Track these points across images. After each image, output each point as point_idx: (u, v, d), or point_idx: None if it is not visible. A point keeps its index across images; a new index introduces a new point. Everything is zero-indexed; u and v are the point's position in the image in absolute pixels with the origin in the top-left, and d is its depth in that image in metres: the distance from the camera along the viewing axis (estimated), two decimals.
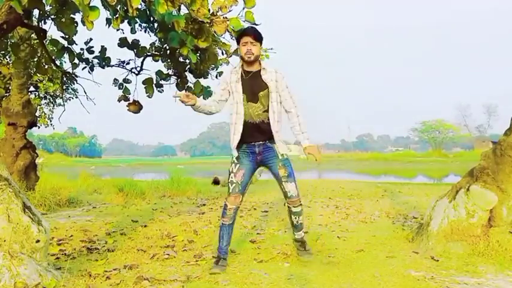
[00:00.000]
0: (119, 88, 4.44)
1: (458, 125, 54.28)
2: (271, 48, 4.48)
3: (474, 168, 3.42)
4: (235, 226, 3.91)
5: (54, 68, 4.92)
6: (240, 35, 2.96)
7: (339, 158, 47.69)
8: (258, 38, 2.91)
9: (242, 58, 2.95)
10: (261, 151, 3.00)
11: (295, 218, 3.15)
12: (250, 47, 2.88)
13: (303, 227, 3.25)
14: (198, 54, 3.82)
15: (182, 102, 2.80)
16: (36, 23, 4.18)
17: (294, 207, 3.10)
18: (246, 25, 3.31)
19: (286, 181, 3.03)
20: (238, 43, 2.97)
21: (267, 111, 2.96)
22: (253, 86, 2.94)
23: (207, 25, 3.30)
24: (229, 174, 3.02)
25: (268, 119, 2.96)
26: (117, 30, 3.55)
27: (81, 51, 4.33)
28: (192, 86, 4.37)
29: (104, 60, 4.37)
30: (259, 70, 2.98)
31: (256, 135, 2.97)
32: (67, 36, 3.92)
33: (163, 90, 4.36)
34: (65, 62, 7.18)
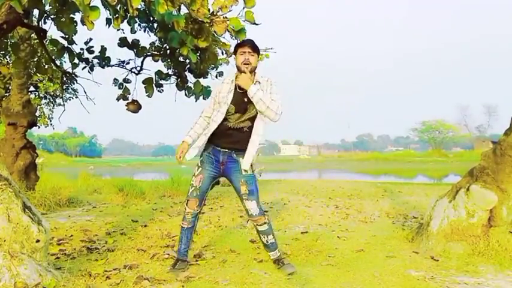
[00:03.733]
0: (119, 88, 4.44)
1: (458, 125, 54.28)
2: (271, 48, 4.48)
3: (474, 168, 3.42)
4: (235, 226, 3.92)
5: (54, 67, 4.92)
6: (237, 45, 2.91)
7: (339, 158, 47.71)
8: (256, 49, 2.86)
9: (238, 68, 2.87)
10: (225, 161, 2.89)
11: (264, 237, 2.99)
12: (248, 57, 2.82)
13: (276, 245, 3.03)
14: (198, 54, 3.82)
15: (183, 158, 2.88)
16: (36, 23, 4.18)
17: (259, 225, 2.95)
18: (246, 25, 3.31)
19: (247, 199, 2.90)
20: (235, 53, 2.91)
21: (251, 119, 2.85)
22: (244, 99, 2.83)
23: (207, 25, 3.30)
24: (192, 177, 2.95)
25: (248, 128, 2.86)
26: (117, 30, 3.56)
27: (81, 51, 4.32)
28: (192, 86, 4.37)
29: (103, 60, 4.37)
30: (253, 83, 2.86)
31: (226, 141, 2.87)
32: (67, 36, 3.91)
33: (163, 90, 4.36)
34: (65, 62, 7.20)
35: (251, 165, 2.91)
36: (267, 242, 3.01)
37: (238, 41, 3.17)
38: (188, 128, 3.02)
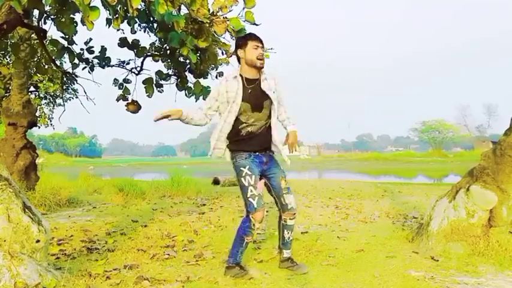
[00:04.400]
0: (119, 88, 4.44)
1: (458, 125, 54.32)
2: (271, 48, 4.47)
3: (474, 168, 3.42)
4: (235, 226, 3.90)
5: (54, 68, 4.92)
6: (247, 38, 2.74)
7: (339, 158, 47.72)
8: (263, 43, 2.75)
9: (251, 62, 2.71)
10: (268, 160, 2.85)
11: (288, 233, 2.93)
12: (262, 52, 2.69)
13: (291, 244, 3.02)
14: (198, 55, 3.82)
15: (165, 118, 2.65)
16: (36, 23, 4.18)
17: (290, 219, 2.89)
18: (246, 25, 3.30)
19: (287, 193, 2.86)
20: (242, 46, 2.73)
21: (269, 118, 2.81)
22: (258, 95, 2.74)
23: (207, 25, 3.30)
24: (248, 187, 2.70)
25: (268, 128, 2.82)
26: (117, 30, 3.55)
27: (81, 51, 4.32)
28: (192, 86, 4.37)
29: (104, 60, 4.36)
30: (260, 78, 2.78)
31: (262, 143, 2.81)
32: (67, 36, 3.91)
33: (163, 90, 4.36)
34: (65, 62, 7.21)
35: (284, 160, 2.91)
36: (289, 238, 2.95)
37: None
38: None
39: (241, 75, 2.76)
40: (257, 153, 2.80)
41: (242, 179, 2.74)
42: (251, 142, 2.79)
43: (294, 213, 2.90)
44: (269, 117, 2.82)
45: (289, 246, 3.00)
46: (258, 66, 2.72)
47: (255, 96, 2.74)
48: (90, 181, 10.43)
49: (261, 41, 2.73)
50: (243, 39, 2.77)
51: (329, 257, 3.26)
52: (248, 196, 2.71)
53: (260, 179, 2.84)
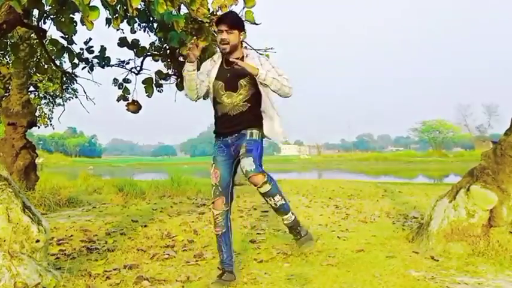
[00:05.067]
0: (119, 88, 4.44)
1: (458, 124, 54.28)
2: (272, 48, 4.47)
3: (474, 168, 3.41)
4: (235, 226, 3.87)
5: (53, 67, 4.92)
6: (215, 22, 2.64)
7: (339, 158, 47.73)
8: (234, 24, 2.56)
9: (220, 49, 2.63)
10: (234, 141, 2.65)
11: (270, 199, 2.56)
12: (225, 36, 2.53)
13: (288, 207, 2.67)
14: None
15: (190, 51, 2.50)
16: (35, 23, 4.17)
17: (259, 187, 2.51)
18: (246, 25, 3.30)
19: (243, 157, 2.53)
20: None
21: (249, 101, 2.62)
22: (234, 73, 2.59)
23: (207, 25, 3.30)
24: (211, 177, 2.68)
25: (249, 109, 2.62)
26: (117, 30, 3.55)
27: (81, 51, 4.32)
28: None
29: (103, 60, 4.36)
30: (242, 58, 2.61)
31: (229, 126, 2.65)
32: (67, 36, 3.91)
33: (162, 90, 4.36)
34: (65, 62, 7.20)
35: (259, 135, 2.64)
36: (276, 204, 2.58)
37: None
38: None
39: (223, 56, 2.68)
40: (225, 138, 2.67)
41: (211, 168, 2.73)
42: (222, 124, 2.68)
43: (256, 177, 2.48)
44: (248, 100, 2.62)
45: (283, 212, 2.65)
46: (221, 52, 2.64)
47: (231, 76, 2.60)
48: (89, 181, 10.43)
49: (226, 24, 2.54)
50: (215, 24, 2.68)
51: (329, 257, 3.26)
52: (210, 186, 2.72)
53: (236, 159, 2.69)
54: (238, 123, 2.63)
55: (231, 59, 2.55)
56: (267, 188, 2.52)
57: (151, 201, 7.06)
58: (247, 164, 2.50)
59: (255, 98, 2.64)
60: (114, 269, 2.92)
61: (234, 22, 2.58)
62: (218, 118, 2.71)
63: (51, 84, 9.44)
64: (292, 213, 2.70)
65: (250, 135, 2.62)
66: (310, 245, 2.78)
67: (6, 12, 2.93)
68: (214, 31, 3.33)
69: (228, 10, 3.22)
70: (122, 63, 4.49)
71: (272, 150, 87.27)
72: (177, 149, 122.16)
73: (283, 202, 2.62)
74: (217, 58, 2.72)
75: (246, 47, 2.82)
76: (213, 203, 2.69)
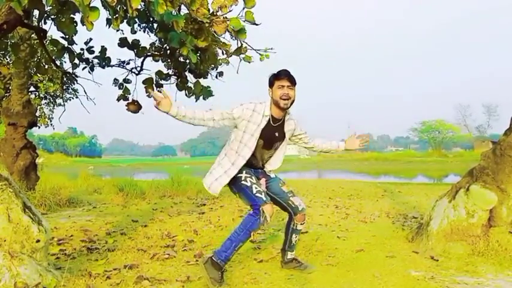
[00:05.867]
0: (119, 88, 4.44)
1: (458, 125, 54.25)
2: (272, 48, 4.47)
3: (474, 168, 3.42)
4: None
5: (54, 68, 4.92)
6: (274, 77, 2.73)
7: (339, 158, 47.71)
8: (294, 82, 2.70)
9: (276, 102, 2.69)
10: (259, 173, 2.91)
11: (296, 237, 3.00)
12: (287, 91, 2.66)
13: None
14: (198, 54, 3.82)
15: (155, 106, 2.59)
16: (36, 23, 4.18)
17: (301, 224, 2.96)
18: (246, 25, 3.30)
19: (293, 195, 2.90)
20: (271, 85, 2.75)
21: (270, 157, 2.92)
22: (275, 135, 2.78)
23: (207, 25, 3.30)
24: (251, 186, 2.68)
25: (270, 157, 2.92)
26: (117, 30, 3.55)
27: (81, 51, 4.32)
28: (192, 86, 4.37)
29: (104, 60, 4.36)
30: (284, 119, 2.80)
31: (254, 164, 2.85)
32: (67, 36, 3.91)
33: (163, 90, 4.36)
34: (65, 62, 7.19)
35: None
36: (295, 242, 3.02)
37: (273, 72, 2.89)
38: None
39: (270, 113, 2.74)
40: (252, 168, 2.85)
41: (243, 182, 2.70)
42: (249, 161, 2.78)
43: (305, 216, 2.95)
44: (271, 156, 2.91)
45: (293, 249, 3.05)
46: (281, 107, 2.70)
47: (273, 135, 2.78)
48: (90, 181, 10.43)
49: (288, 79, 2.67)
50: (271, 77, 2.76)
51: (329, 257, 3.26)
52: (254, 193, 2.65)
53: None
54: (261, 163, 2.90)
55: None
56: (303, 226, 3.01)
57: (152, 201, 7.06)
58: (302, 202, 2.94)
59: (278, 153, 2.93)
60: (115, 269, 2.93)
61: (293, 79, 2.71)
62: (244, 156, 2.74)
63: (52, 85, 9.44)
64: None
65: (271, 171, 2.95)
66: (310, 268, 2.99)
67: (6, 12, 2.93)
68: (214, 31, 3.34)
69: (228, 10, 3.22)
70: (122, 64, 4.50)
71: None
72: (177, 149, 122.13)
73: (297, 241, 3.04)
74: (263, 115, 2.72)
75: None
76: (266, 204, 2.63)
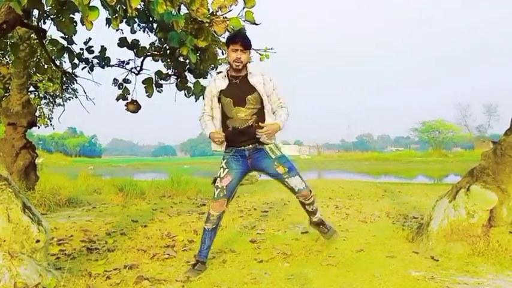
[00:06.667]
0: (119, 88, 4.44)
1: (458, 125, 54.21)
2: (272, 48, 4.47)
3: (474, 168, 3.41)
4: (235, 226, 3.93)
5: (53, 68, 4.92)
6: (229, 40, 2.89)
7: (339, 158, 47.72)
8: (247, 45, 2.88)
9: (230, 64, 2.90)
10: (251, 154, 2.93)
11: (310, 206, 3.11)
12: (239, 55, 2.83)
13: (318, 209, 3.21)
14: (197, 54, 3.81)
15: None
16: (35, 23, 4.18)
17: (307, 200, 3.05)
18: (246, 25, 3.30)
19: (288, 177, 2.95)
20: (227, 47, 2.91)
21: (256, 114, 2.90)
22: (241, 90, 2.89)
23: (207, 25, 3.30)
24: (216, 179, 2.95)
25: (256, 123, 2.89)
26: (117, 30, 3.55)
27: (81, 51, 4.32)
28: (191, 86, 4.37)
29: (103, 60, 4.36)
30: (246, 74, 2.93)
31: (243, 140, 2.91)
32: (67, 36, 3.91)
33: (162, 90, 4.36)
34: (65, 62, 7.19)
35: (277, 147, 2.97)
36: (313, 209, 3.13)
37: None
38: (202, 125, 3.02)
39: (227, 73, 2.94)
40: (240, 148, 2.93)
41: (219, 170, 2.97)
42: (234, 137, 2.92)
43: (304, 195, 3.01)
44: (255, 113, 2.90)
45: (314, 214, 3.17)
46: (234, 68, 2.88)
47: (239, 91, 2.88)
48: (90, 181, 10.43)
49: (241, 44, 2.82)
50: (227, 40, 2.93)
51: (329, 257, 3.26)
52: (214, 186, 2.96)
53: (249, 172, 3.05)
54: (249, 137, 2.89)
55: (257, 134, 2.82)
56: (312, 199, 3.06)
57: (152, 201, 7.05)
58: (297, 182, 2.97)
59: (261, 112, 2.91)
60: (115, 269, 2.93)
61: (248, 43, 2.88)
62: (229, 131, 2.92)
63: (51, 84, 9.45)
64: (320, 214, 3.22)
65: (271, 152, 2.93)
66: (335, 236, 3.17)
67: (6, 12, 2.93)
68: (214, 31, 3.34)
69: (227, 10, 3.22)
70: (122, 64, 4.50)
71: None
72: (177, 149, 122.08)
73: (317, 207, 3.15)
74: (225, 74, 2.95)
75: (248, 62, 3.02)
76: (214, 203, 2.93)
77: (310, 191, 3.05)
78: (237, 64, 2.84)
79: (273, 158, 2.93)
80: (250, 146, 2.92)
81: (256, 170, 3.03)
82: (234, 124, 2.90)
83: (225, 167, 2.95)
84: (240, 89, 2.89)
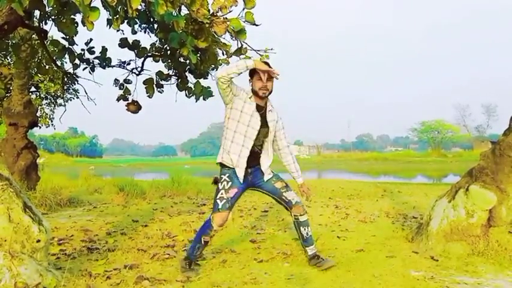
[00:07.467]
0: (120, 88, 4.45)
1: (457, 125, 54.15)
2: (272, 49, 4.47)
3: (473, 168, 3.42)
4: (235, 226, 3.93)
5: (55, 68, 4.93)
6: (254, 69, 2.83)
7: (338, 158, 47.72)
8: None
9: (255, 92, 2.86)
10: (252, 172, 2.96)
11: (304, 229, 3.05)
12: (266, 83, 2.80)
13: (313, 240, 3.13)
14: (198, 55, 3.82)
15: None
16: (37, 24, 4.19)
17: (301, 215, 3.03)
18: (246, 26, 3.31)
19: (286, 190, 3.01)
20: (251, 76, 2.88)
21: (261, 145, 2.96)
22: (265, 121, 2.91)
23: (207, 25, 3.30)
24: (219, 191, 2.86)
25: (260, 150, 2.96)
26: (117, 31, 3.56)
27: (82, 52, 4.33)
28: (192, 86, 4.38)
29: (104, 61, 4.37)
30: (266, 107, 2.93)
31: (251, 161, 2.92)
32: (68, 37, 3.92)
33: (163, 90, 4.37)
34: (66, 63, 7.20)
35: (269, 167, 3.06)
36: (307, 234, 3.07)
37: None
38: (231, 66, 2.80)
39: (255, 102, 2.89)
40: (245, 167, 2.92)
41: (219, 184, 2.90)
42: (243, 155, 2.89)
43: (302, 207, 3.03)
44: (261, 145, 2.96)
45: (311, 242, 3.10)
46: (260, 96, 2.85)
47: (265, 124, 2.91)
48: (90, 181, 10.44)
49: (266, 72, 2.76)
50: (251, 70, 2.84)
51: (329, 257, 3.27)
52: (217, 197, 2.86)
53: (247, 189, 3.01)
54: (255, 160, 2.95)
55: (307, 197, 3.14)
56: (305, 217, 3.06)
57: (152, 201, 7.07)
58: (294, 196, 3.03)
59: (266, 146, 3.00)
60: (115, 269, 2.94)
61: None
62: (243, 151, 2.89)
63: (53, 85, 9.46)
64: (314, 246, 3.13)
65: (267, 170, 3.00)
66: (331, 264, 3.01)
67: (7, 13, 2.94)
68: (215, 32, 3.35)
69: (228, 11, 3.22)
70: (122, 64, 4.50)
71: None
72: (177, 149, 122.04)
73: (311, 234, 3.10)
74: (253, 102, 2.88)
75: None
76: (218, 212, 2.84)
77: (305, 209, 3.09)
78: (264, 92, 2.83)
79: (270, 176, 3.00)
80: (253, 167, 2.96)
81: (253, 187, 3.03)
82: (247, 145, 2.89)
83: (228, 180, 2.89)
84: (264, 120, 2.91)
